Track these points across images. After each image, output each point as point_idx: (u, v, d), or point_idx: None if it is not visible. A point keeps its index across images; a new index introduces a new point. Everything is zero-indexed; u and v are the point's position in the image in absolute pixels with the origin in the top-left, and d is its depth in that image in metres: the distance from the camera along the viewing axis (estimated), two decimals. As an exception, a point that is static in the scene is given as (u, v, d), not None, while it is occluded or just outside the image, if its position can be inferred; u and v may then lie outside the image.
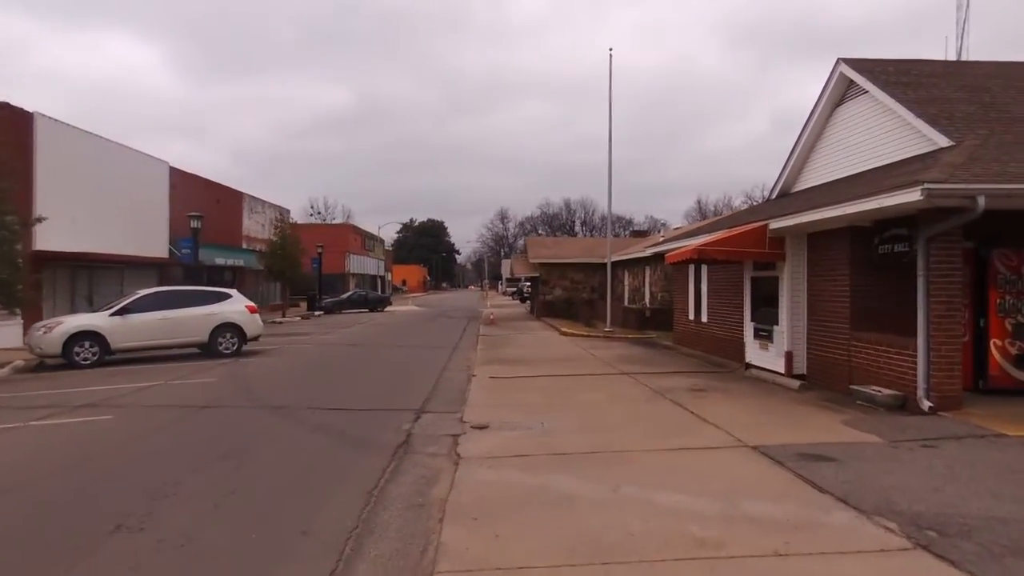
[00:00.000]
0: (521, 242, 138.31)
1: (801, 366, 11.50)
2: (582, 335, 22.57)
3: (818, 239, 11.16)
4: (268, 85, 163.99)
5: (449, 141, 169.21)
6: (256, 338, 16.90)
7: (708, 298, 16.55)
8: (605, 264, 33.86)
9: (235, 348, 16.00)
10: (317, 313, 40.46)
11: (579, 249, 36.92)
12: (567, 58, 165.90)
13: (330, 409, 9.59)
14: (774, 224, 11.42)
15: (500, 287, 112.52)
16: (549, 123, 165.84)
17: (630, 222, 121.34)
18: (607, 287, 25.42)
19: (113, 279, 25.02)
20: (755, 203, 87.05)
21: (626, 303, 30.60)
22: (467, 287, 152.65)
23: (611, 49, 22.32)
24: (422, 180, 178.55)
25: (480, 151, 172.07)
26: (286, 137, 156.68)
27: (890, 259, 9.78)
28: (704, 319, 16.81)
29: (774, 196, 17.20)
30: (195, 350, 16.23)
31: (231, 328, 15.98)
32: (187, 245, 26.42)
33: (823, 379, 10.85)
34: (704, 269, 16.75)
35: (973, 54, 24.56)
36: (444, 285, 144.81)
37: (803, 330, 11.49)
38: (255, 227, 39.12)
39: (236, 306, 16.24)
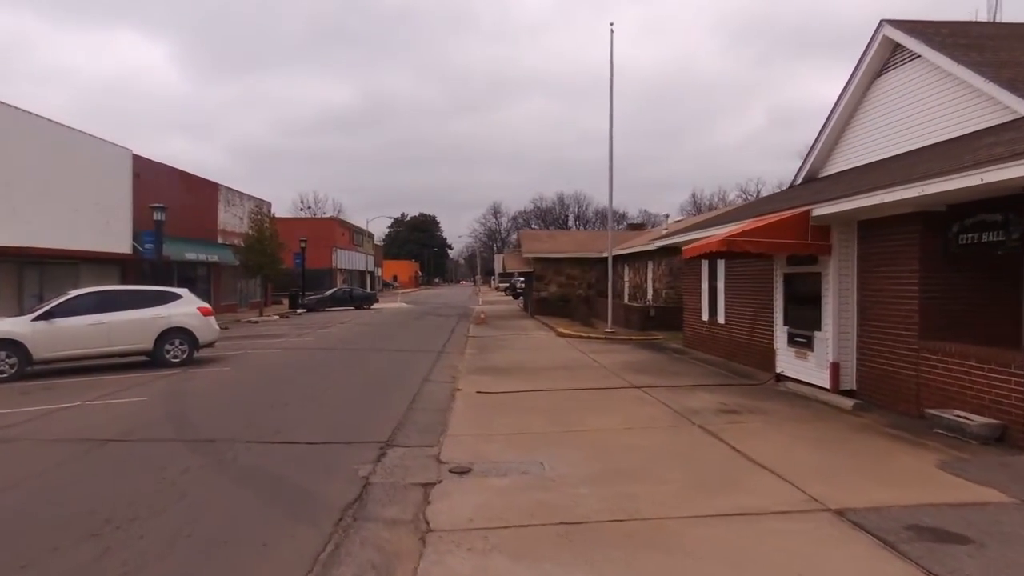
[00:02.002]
0: (514, 237, 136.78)
1: (850, 380, 9.58)
2: (581, 336, 20.61)
3: (874, 228, 9.22)
4: (271, 82, 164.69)
5: (447, 138, 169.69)
6: (211, 344, 14.82)
7: (726, 297, 14.62)
8: (602, 259, 31.95)
9: (185, 356, 13.92)
10: (299, 311, 38.35)
11: (575, 243, 34.93)
12: (568, 56, 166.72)
13: (273, 443, 7.58)
14: (818, 211, 9.46)
15: (492, 282, 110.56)
16: (547, 120, 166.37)
17: (624, 216, 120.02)
18: (608, 283, 23.45)
19: (68, 277, 22.86)
20: (750, 198, 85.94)
21: (626, 300, 28.67)
22: (458, 282, 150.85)
23: (612, 24, 20.26)
24: (417, 176, 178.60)
25: (477, 148, 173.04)
26: (286, 134, 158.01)
27: (975, 251, 7.86)
28: (721, 320, 14.88)
29: (798, 182, 15.28)
30: (143, 359, 14.17)
31: (180, 333, 13.90)
32: (149, 239, 24.28)
33: (881, 398, 8.92)
34: (720, 264, 14.83)
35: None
36: (436, 280, 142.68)
37: (852, 337, 9.57)
38: (232, 220, 36.93)
39: (186, 308, 14.14)
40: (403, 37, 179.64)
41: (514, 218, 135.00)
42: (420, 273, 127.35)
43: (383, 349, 17.88)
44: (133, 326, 13.36)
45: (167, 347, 13.75)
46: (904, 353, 8.51)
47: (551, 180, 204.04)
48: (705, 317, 16.00)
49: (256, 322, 30.23)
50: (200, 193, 33.26)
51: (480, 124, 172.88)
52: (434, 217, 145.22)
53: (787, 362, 11.01)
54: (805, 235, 9.66)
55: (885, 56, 11.64)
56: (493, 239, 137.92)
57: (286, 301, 43.53)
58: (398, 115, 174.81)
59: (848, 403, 8.98)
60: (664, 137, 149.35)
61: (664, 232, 25.40)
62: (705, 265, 15.89)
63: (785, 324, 11.11)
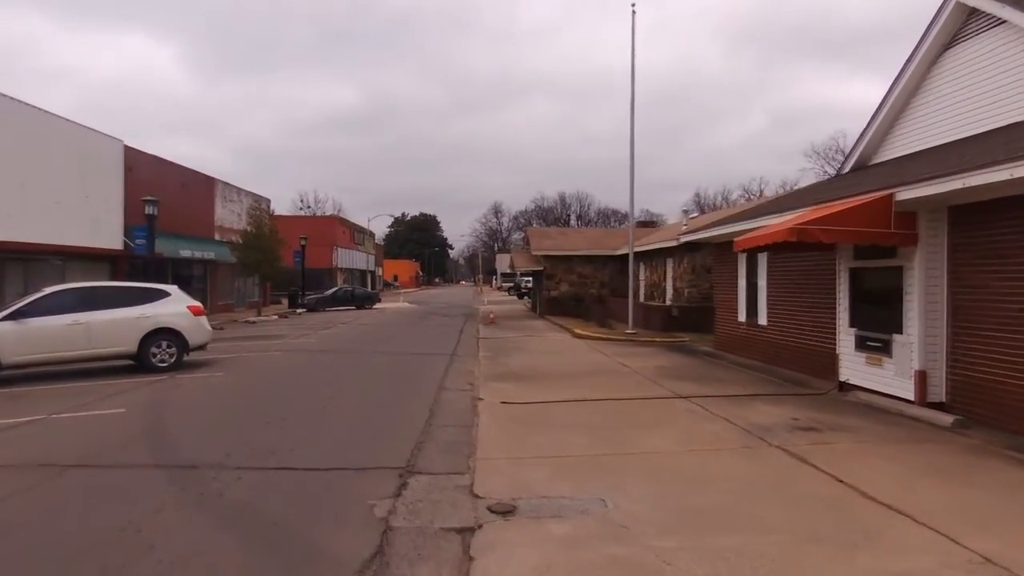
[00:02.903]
0: (516, 236, 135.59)
1: (938, 391, 8.27)
2: (600, 338, 19.29)
3: (971, 215, 7.92)
4: (276, 84, 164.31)
5: (449, 139, 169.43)
6: (202, 346, 13.47)
7: (769, 295, 13.31)
8: (615, 257, 30.69)
9: (173, 360, 12.58)
10: (299, 311, 37.02)
11: (586, 240, 33.59)
12: (571, 58, 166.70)
13: (269, 469, 6.26)
14: (904, 194, 8.14)
15: (494, 282, 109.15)
16: (549, 121, 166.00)
17: (626, 216, 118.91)
18: (625, 282, 22.14)
19: (53, 274, 21.53)
20: (753, 197, 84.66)
21: (642, 300, 27.35)
22: (458, 282, 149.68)
23: (633, 5, 18.93)
24: (417, 177, 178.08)
25: (478, 149, 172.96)
26: (289, 135, 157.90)
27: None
28: (762, 321, 13.57)
29: (845, 171, 14.00)
30: (127, 363, 12.84)
31: (168, 335, 12.56)
32: (141, 234, 22.95)
33: (982, 412, 7.60)
34: (762, 259, 13.52)
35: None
36: (436, 280, 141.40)
37: (942, 341, 8.25)
38: (230, 217, 35.59)
39: (175, 307, 12.79)
40: (407, 39, 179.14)
41: (515, 217, 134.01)
42: (420, 273, 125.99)
43: (390, 352, 16.55)
44: (115, 326, 12.02)
45: (153, 350, 12.41)
46: (1015, 361, 7.20)
47: (552, 181, 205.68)
48: (742, 318, 14.69)
49: (254, 322, 28.90)
50: (196, 188, 31.93)
51: (482, 125, 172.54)
52: (434, 217, 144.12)
53: (854, 369, 9.69)
54: (887, 223, 8.34)
55: (957, 24, 10.35)
56: (494, 239, 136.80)
57: (285, 301, 42.22)
58: (400, 116, 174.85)
59: (946, 419, 7.65)
60: (665, 138, 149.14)
61: (684, 228, 24.10)
62: (743, 261, 14.58)
63: (852, 326, 9.79)
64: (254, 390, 10.83)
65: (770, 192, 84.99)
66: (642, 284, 27.94)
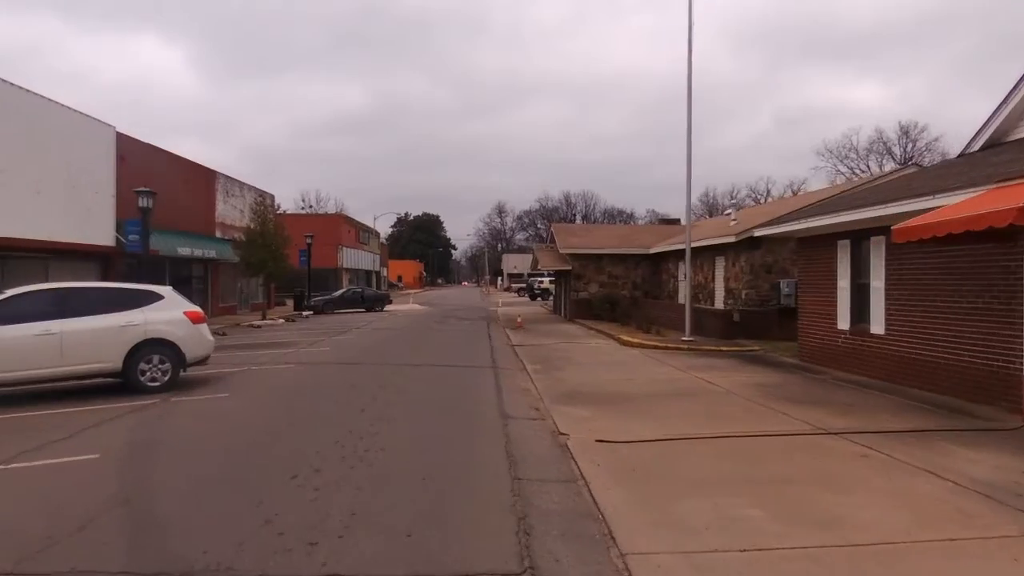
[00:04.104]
0: (520, 237, 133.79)
1: None
2: (654, 346, 16.98)
3: None
4: (283, 85, 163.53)
5: (454, 140, 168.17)
6: (203, 360, 11.14)
7: (890, 298, 11.01)
8: (647, 256, 28.40)
9: (167, 378, 10.26)
10: (306, 314, 34.71)
11: (617, 237, 31.32)
12: (579, 61, 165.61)
13: (307, 577, 3.96)
14: None
15: (499, 283, 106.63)
16: (555, 124, 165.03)
17: (631, 215, 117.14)
18: (678, 282, 19.85)
19: (36, 273, 19.23)
20: (760, 197, 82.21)
21: (679, 302, 25.05)
22: (461, 283, 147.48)
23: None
24: (420, 177, 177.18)
25: (483, 150, 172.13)
26: (295, 136, 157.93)
27: None
28: (878, 330, 11.28)
29: (975, 149, 11.77)
30: (113, 380, 10.53)
31: (161, 347, 10.23)
32: (134, 229, 20.64)
33: None
34: (876, 255, 11.26)
35: None
36: (439, 281, 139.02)
37: None
38: (232, 213, 33.27)
39: (170, 313, 10.48)
40: (416, 41, 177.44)
41: (519, 217, 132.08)
42: (424, 273, 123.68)
43: (422, 363, 14.24)
44: (95, 337, 9.70)
45: (143, 366, 10.08)
46: None
47: (556, 182, 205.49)
48: (843, 325, 12.41)
49: (259, 326, 26.59)
50: (196, 181, 29.62)
51: (487, 127, 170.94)
52: (437, 216, 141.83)
53: (1058, 397, 7.41)
54: None
55: None
56: (498, 239, 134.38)
57: (290, 302, 39.90)
58: (403, 117, 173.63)
59: None
60: (670, 140, 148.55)
61: (734, 223, 21.80)
62: (843, 258, 12.33)
63: (1054, 340, 7.51)
64: (270, 421, 8.50)
65: (777, 192, 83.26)
66: (681, 285, 25.64)
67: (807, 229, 12.85)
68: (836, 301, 12.68)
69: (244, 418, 8.56)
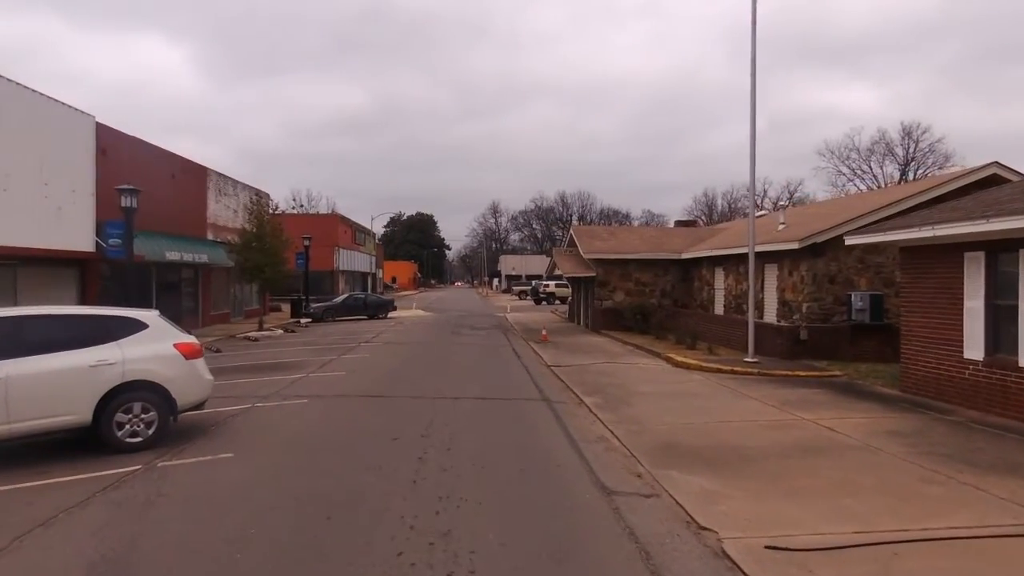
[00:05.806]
0: (515, 237, 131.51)
1: None
2: (715, 369, 14.78)
3: None
4: (282, 87, 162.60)
5: (449, 142, 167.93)
6: (199, 405, 8.79)
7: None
8: (677, 261, 26.28)
9: (152, 432, 7.87)
10: (304, 322, 32.28)
11: (645, 241, 29.09)
12: (575, 65, 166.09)
13: None
14: None
15: (496, 284, 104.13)
16: (550, 126, 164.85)
17: (627, 216, 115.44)
18: (748, 289, 17.69)
19: (3, 283, 16.82)
20: (757, 197, 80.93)
21: (715, 311, 22.91)
22: (453, 284, 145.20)
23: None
24: (414, 179, 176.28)
25: (478, 152, 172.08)
26: (291, 136, 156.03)
27: None
28: (1037, 364, 9.12)
29: None
30: (80, 433, 8.16)
31: (144, 392, 7.84)
32: (116, 232, 18.22)
33: None
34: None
35: None
36: (433, 282, 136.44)
37: None
38: (225, 213, 30.80)
39: (155, 346, 8.06)
40: (416, 44, 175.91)
41: (514, 218, 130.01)
42: (419, 274, 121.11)
43: (460, 397, 11.92)
44: (55, 382, 7.32)
45: (120, 417, 7.69)
46: None
47: (551, 182, 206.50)
48: (973, 354, 10.27)
49: (256, 339, 24.16)
50: (186, 179, 27.14)
51: (482, 129, 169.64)
52: (431, 216, 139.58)
53: None
54: None
55: None
56: (492, 239, 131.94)
57: (286, 307, 37.44)
58: (399, 118, 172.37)
59: None
60: (663, 142, 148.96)
61: (783, 226, 19.64)
62: (975, 272, 10.19)
63: None
64: (296, 505, 6.17)
65: (774, 193, 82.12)
66: (719, 294, 23.50)
67: (930, 238, 10.68)
68: (962, 324, 10.55)
69: (259, 502, 6.25)
